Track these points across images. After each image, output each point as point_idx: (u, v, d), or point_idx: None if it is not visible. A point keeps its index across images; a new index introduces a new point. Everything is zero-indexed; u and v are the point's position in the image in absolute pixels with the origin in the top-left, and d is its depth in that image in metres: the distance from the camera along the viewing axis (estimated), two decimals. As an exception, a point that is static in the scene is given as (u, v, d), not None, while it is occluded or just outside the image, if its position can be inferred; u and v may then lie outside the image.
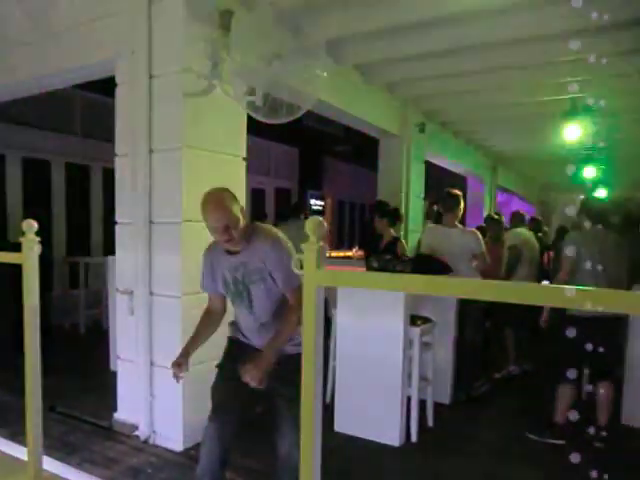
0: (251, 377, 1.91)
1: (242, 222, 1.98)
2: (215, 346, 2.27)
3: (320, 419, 1.19)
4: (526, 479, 2.84)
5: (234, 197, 2.02)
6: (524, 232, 5.07)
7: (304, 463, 1.21)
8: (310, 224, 1.17)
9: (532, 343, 4.97)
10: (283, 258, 1.97)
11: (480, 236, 4.11)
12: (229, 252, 2.07)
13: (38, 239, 1.69)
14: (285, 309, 2.06)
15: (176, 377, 2.11)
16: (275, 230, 2.13)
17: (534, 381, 4.55)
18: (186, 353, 2.14)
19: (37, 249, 1.69)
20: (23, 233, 1.69)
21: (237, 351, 2.19)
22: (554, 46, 4.00)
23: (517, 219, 5.32)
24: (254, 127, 3.31)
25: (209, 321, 2.25)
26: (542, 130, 6.90)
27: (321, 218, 1.20)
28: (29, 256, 1.69)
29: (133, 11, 3.01)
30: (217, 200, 1.95)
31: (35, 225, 1.68)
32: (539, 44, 4.07)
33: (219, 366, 2.23)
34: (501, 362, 4.77)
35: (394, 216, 4.58)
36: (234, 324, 2.27)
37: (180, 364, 2.09)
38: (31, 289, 1.75)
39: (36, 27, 3.56)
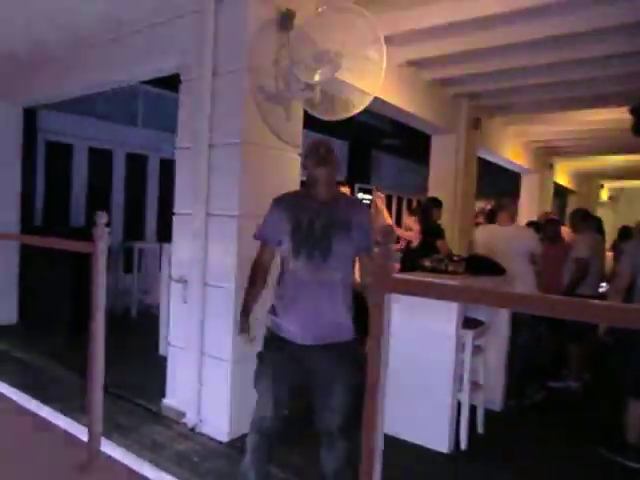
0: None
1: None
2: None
3: (382, 428, 1.18)
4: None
5: None
6: (595, 239, 4.40)
7: (365, 464, 1.20)
8: (380, 230, 1.15)
9: (597, 355, 4.65)
10: (368, 221, 2.19)
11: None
12: (315, 200, 2.11)
13: (108, 230, 1.75)
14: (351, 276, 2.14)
15: (251, 341, 2.23)
16: None
17: (596, 394, 4.30)
18: (247, 314, 2.22)
19: (107, 239, 1.75)
20: (94, 223, 1.75)
21: (280, 350, 2.12)
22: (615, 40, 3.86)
23: (584, 220, 4.49)
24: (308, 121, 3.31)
25: (263, 274, 2.24)
26: (601, 122, 6.54)
27: (389, 221, 1.18)
28: (99, 246, 1.75)
29: (200, 10, 3.08)
30: (329, 141, 2.20)
31: (105, 217, 1.74)
32: (599, 39, 3.91)
33: (260, 357, 2.18)
34: (559, 371, 4.50)
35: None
36: (274, 308, 2.16)
37: (244, 330, 2.21)
38: (99, 276, 1.81)
39: (107, 28, 3.71)
